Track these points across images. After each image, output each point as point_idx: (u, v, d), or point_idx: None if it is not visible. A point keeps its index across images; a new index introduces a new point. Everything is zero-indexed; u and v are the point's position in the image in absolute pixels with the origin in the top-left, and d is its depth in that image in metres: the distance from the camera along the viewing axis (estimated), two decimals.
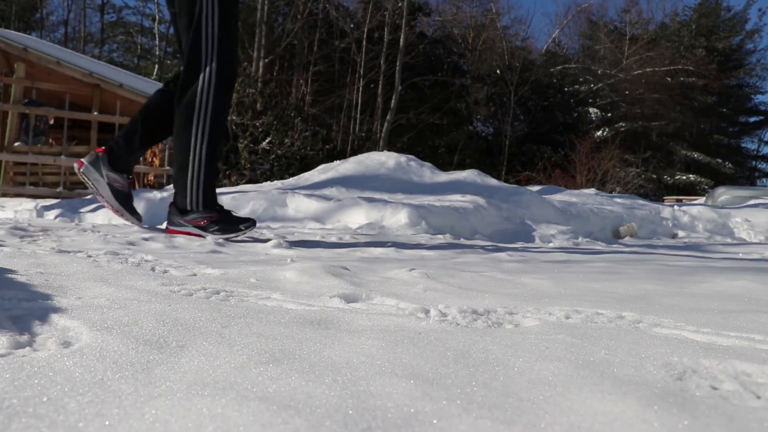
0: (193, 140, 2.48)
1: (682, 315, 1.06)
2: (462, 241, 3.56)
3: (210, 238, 2.40)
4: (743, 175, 31.99)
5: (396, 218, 4.41)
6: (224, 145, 11.82)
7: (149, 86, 11.60)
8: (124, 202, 2.70)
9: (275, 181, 7.81)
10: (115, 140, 2.68)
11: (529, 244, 3.85)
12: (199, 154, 2.49)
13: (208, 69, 2.45)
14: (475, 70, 24.49)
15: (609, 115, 27.16)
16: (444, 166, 14.15)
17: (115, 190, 2.66)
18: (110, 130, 10.89)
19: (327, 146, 13.56)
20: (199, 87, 2.45)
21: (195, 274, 1.40)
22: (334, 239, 2.93)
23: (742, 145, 34.36)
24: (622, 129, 25.67)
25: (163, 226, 2.91)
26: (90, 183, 2.63)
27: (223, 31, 2.48)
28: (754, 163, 34.27)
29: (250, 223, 2.55)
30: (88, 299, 0.99)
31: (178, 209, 2.59)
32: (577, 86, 27.46)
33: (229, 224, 2.53)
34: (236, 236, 2.52)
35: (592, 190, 8.90)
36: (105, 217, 4.42)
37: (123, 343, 0.71)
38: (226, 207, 2.82)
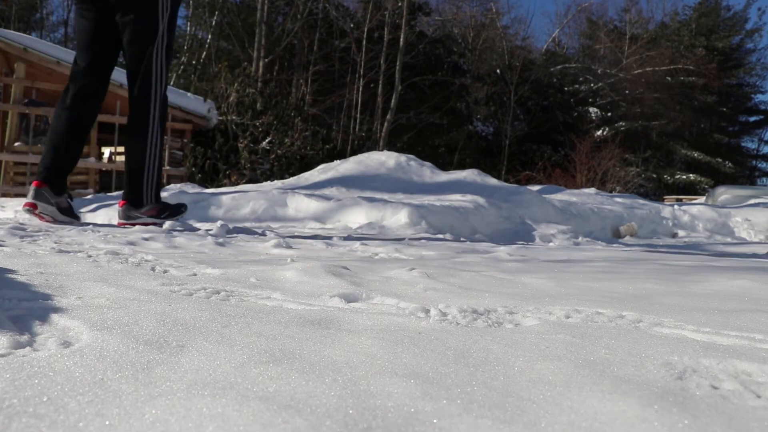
0: (148, 152, 3.06)
1: (682, 314, 1.06)
2: (462, 240, 3.56)
3: (167, 225, 2.92)
4: (743, 174, 31.94)
5: (396, 218, 4.42)
6: (224, 145, 11.85)
7: None
8: (68, 213, 3.17)
9: (275, 181, 7.80)
10: (46, 171, 3.10)
11: (530, 244, 3.85)
12: (152, 162, 3.08)
13: (156, 101, 3.04)
14: (475, 70, 24.48)
15: (609, 114, 27.14)
16: (444, 165, 14.15)
17: (62, 209, 3.13)
18: (110, 130, 10.89)
19: (327, 146, 13.55)
20: (151, 115, 3.03)
21: (195, 274, 1.40)
22: (334, 239, 2.93)
23: (742, 144, 34.31)
24: (622, 128, 25.65)
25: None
26: (47, 217, 3.07)
27: (166, 70, 3.08)
28: (754, 162, 34.24)
29: (184, 206, 3.19)
30: (88, 299, 0.99)
31: (132, 205, 3.10)
32: (577, 86, 27.44)
33: (173, 209, 3.12)
34: (182, 216, 3.13)
35: (592, 190, 8.90)
36: (105, 217, 4.42)
37: (123, 343, 0.71)
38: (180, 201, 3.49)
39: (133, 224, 3.03)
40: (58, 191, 3.10)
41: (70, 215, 3.18)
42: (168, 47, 3.07)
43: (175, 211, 3.14)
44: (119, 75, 11.36)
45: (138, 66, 3.00)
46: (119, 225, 3.12)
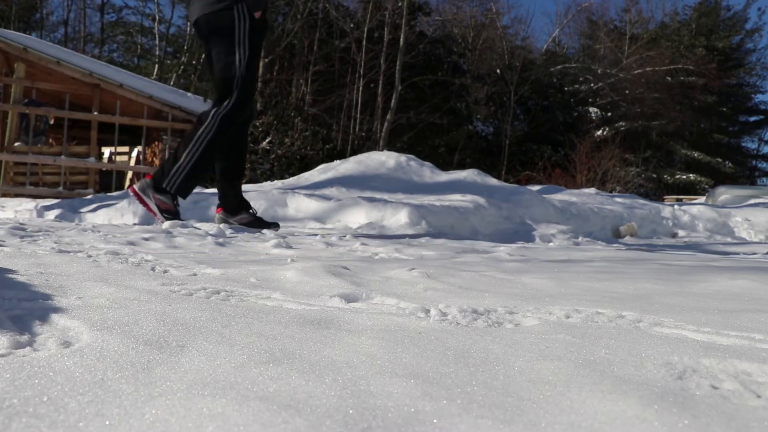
0: (190, 148, 3.14)
1: (682, 314, 1.06)
2: (462, 239, 3.56)
3: (167, 225, 2.94)
4: (743, 174, 31.94)
5: (396, 218, 4.42)
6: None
7: (149, 86, 11.59)
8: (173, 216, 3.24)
9: (275, 181, 7.81)
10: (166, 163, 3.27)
11: (530, 244, 3.85)
12: (189, 158, 3.15)
13: (215, 122, 3.15)
14: (475, 70, 24.47)
15: (609, 114, 27.13)
16: (444, 165, 14.14)
17: (243, 222, 3.39)
18: (110, 129, 10.90)
19: (327, 146, 13.56)
20: (206, 125, 3.14)
21: (195, 274, 1.40)
22: (334, 239, 2.92)
23: (742, 144, 34.33)
24: (622, 128, 25.65)
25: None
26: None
27: (239, 102, 3.19)
28: (754, 162, 34.25)
29: (190, 221, 3.19)
30: (88, 299, 0.99)
31: (153, 185, 3.17)
32: (577, 86, 27.43)
33: (177, 217, 3.19)
34: (184, 223, 3.07)
35: (592, 190, 8.90)
36: (105, 217, 4.42)
37: (123, 343, 0.71)
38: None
39: (142, 201, 3.18)
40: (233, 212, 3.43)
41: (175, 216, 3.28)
42: (246, 82, 3.20)
43: (178, 219, 3.23)
44: (119, 75, 11.37)
45: (215, 92, 3.26)
46: (130, 190, 3.31)
